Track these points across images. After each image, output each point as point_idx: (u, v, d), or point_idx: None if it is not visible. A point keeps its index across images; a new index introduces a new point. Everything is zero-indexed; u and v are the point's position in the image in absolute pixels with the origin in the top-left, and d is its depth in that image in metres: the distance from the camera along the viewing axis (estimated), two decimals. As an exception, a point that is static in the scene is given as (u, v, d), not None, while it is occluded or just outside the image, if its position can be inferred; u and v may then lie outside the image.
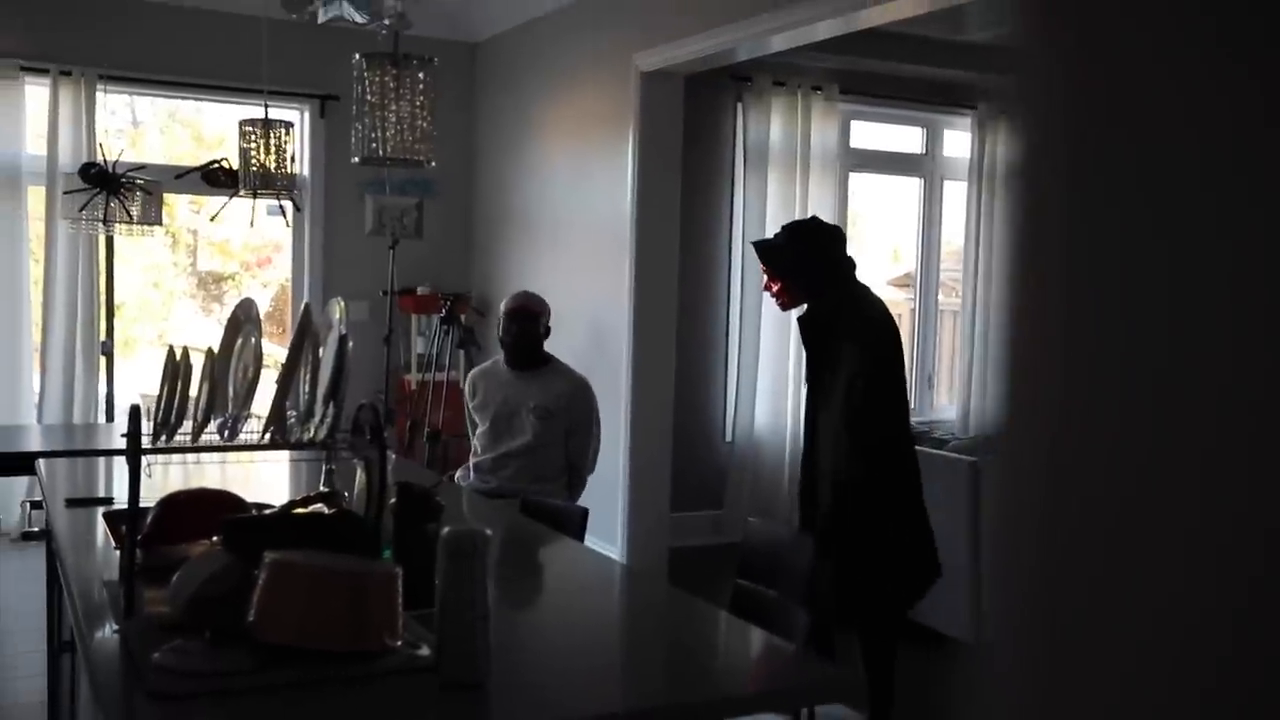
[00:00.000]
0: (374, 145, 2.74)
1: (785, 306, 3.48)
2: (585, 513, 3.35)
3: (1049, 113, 0.46)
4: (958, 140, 6.98)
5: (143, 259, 7.73)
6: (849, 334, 3.26)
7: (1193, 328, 0.41)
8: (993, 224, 6.81)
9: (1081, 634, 0.44)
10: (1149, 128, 0.42)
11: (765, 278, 3.45)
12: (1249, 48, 0.39)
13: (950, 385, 7.19)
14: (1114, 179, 0.43)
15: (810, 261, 3.32)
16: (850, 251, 3.44)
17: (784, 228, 3.49)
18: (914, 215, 7.05)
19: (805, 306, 3.39)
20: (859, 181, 6.83)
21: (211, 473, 3.36)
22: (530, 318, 4.24)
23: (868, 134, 6.81)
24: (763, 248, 3.43)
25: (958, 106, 6.82)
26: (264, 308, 7.52)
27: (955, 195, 6.99)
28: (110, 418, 5.70)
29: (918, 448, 3.43)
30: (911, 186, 7.04)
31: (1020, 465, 0.47)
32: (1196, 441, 0.41)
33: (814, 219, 3.66)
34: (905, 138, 7.02)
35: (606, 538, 5.14)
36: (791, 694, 2.17)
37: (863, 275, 3.44)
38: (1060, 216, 0.46)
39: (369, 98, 2.72)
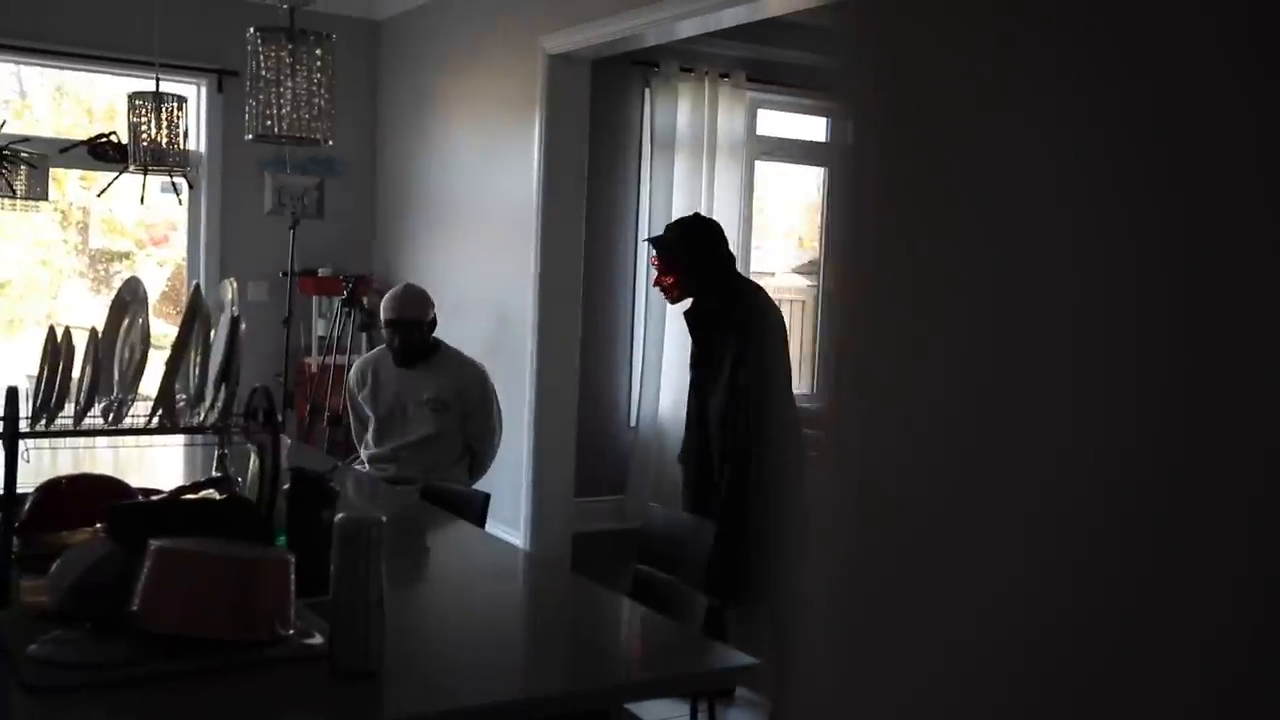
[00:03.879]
0: (269, 122, 2.67)
1: (675, 299, 3.64)
2: (487, 498, 3.32)
3: (867, 104, 0.47)
4: (862, 130, 7.07)
5: (30, 235, 7.44)
6: (737, 322, 3.45)
7: (1005, 320, 0.41)
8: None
9: (881, 618, 0.45)
10: (967, 112, 0.43)
11: (656, 272, 3.62)
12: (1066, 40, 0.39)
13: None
14: (926, 171, 0.44)
15: (703, 255, 3.51)
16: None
17: (675, 223, 3.70)
18: (818, 204, 7.13)
19: (691, 299, 3.56)
20: (765, 169, 6.88)
21: (100, 458, 3.25)
22: (410, 325, 4.07)
23: (774, 122, 6.86)
24: (660, 242, 3.59)
25: (862, 97, 6.91)
26: (160, 287, 7.31)
27: (859, 185, 7.09)
28: (-8, 400, 5.48)
29: (807, 430, 3.52)
30: (817, 176, 7.12)
31: (837, 450, 0.48)
32: (1004, 433, 0.41)
33: (700, 215, 3.83)
34: (811, 126, 7.10)
35: (509, 523, 5.12)
36: (690, 679, 2.18)
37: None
38: (875, 200, 0.46)
39: (264, 73, 2.65)
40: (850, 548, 0.46)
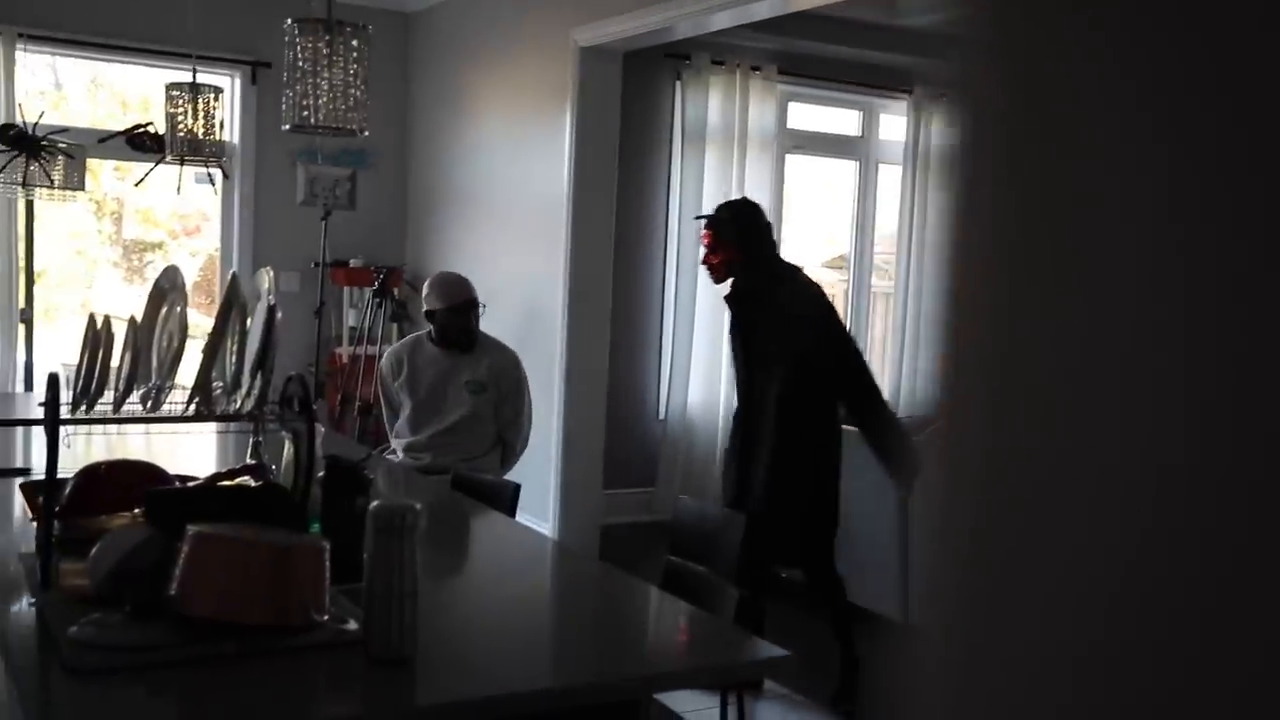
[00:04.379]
0: (305, 113, 2.69)
1: (720, 278, 3.68)
2: (517, 488, 3.34)
3: (987, 97, 0.46)
4: (894, 124, 7.03)
5: (66, 226, 7.52)
6: (789, 300, 3.54)
7: (1123, 314, 0.41)
8: (926, 208, 6.89)
9: (1019, 619, 0.45)
10: (1086, 116, 0.42)
11: (704, 250, 3.66)
12: (1190, 38, 0.39)
13: (881, 366, 7.28)
14: (1049, 165, 0.44)
15: (750, 237, 3.59)
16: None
17: (725, 204, 3.76)
18: (849, 198, 7.10)
19: (732, 280, 3.63)
20: (795, 163, 6.86)
21: (135, 444, 3.29)
22: (470, 307, 4.20)
23: (805, 115, 6.83)
24: (711, 221, 3.68)
25: (894, 90, 6.87)
26: (191, 277, 7.37)
27: (890, 179, 7.05)
28: (29, 387, 5.56)
29: (845, 427, 3.57)
30: (847, 169, 7.09)
31: (957, 449, 0.48)
32: (1130, 427, 0.41)
33: (749, 199, 3.89)
34: (842, 120, 7.06)
35: (538, 514, 5.14)
36: (721, 669, 2.19)
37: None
38: (998, 199, 0.46)
39: (300, 64, 2.66)
40: (971, 548, 0.46)
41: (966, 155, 0.48)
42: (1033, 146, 0.44)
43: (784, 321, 3.52)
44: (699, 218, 3.81)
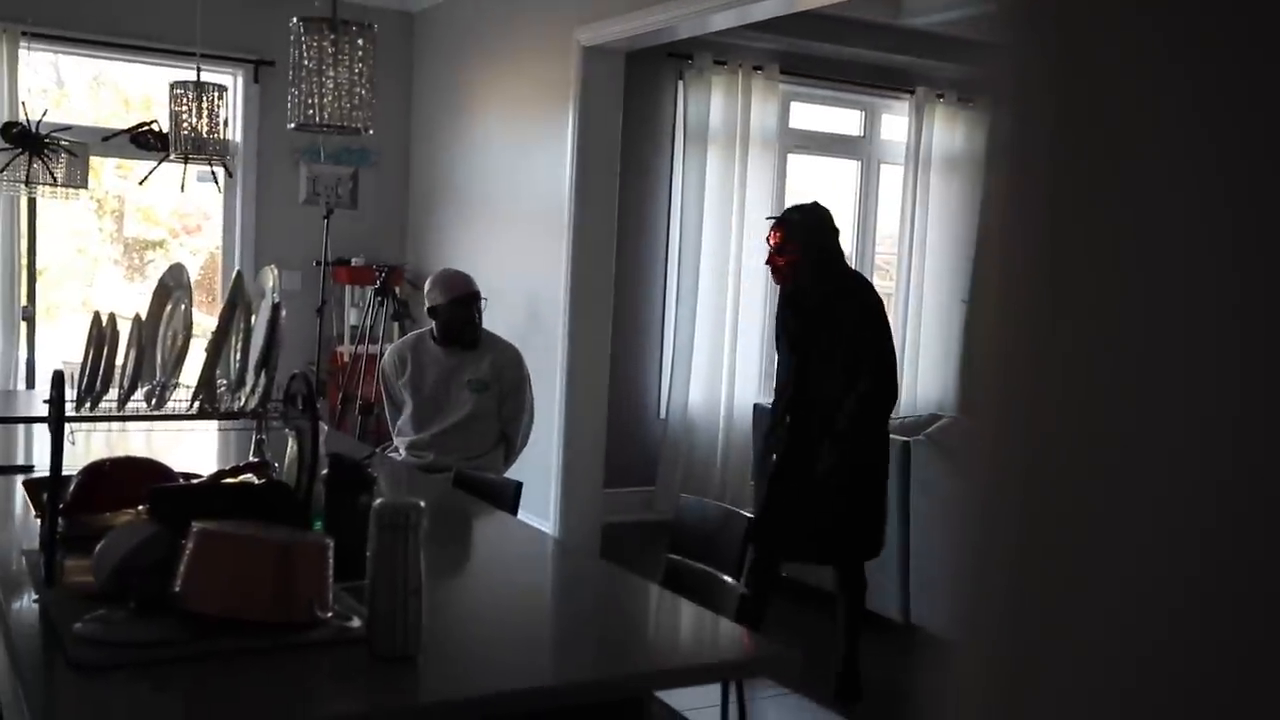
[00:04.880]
0: (311, 111, 2.70)
1: (784, 280, 3.72)
2: (519, 486, 3.34)
3: (1028, 100, 0.46)
4: (895, 124, 7.03)
5: (67, 224, 7.52)
6: (853, 307, 3.61)
7: (1159, 325, 0.41)
8: (928, 208, 6.89)
9: (1041, 624, 0.44)
10: (1133, 120, 0.42)
11: (770, 251, 3.70)
12: (1244, 43, 0.39)
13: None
14: (1092, 170, 0.43)
15: (822, 238, 3.65)
16: None
17: (796, 207, 3.79)
18: (851, 198, 7.11)
19: (795, 283, 3.67)
20: (797, 162, 6.86)
21: (139, 442, 3.30)
22: (477, 298, 4.21)
23: (807, 115, 6.84)
24: (782, 220, 3.72)
25: (896, 90, 6.87)
26: (193, 276, 7.38)
27: (892, 179, 7.06)
28: (31, 384, 5.57)
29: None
30: (849, 169, 7.10)
31: (1003, 459, 0.47)
32: (1154, 434, 0.41)
33: (819, 204, 3.92)
34: (844, 120, 7.07)
35: (539, 513, 5.14)
36: (721, 668, 2.19)
37: None
38: (1034, 205, 0.45)
39: (306, 63, 2.67)
40: (1015, 557, 0.45)
41: (1005, 156, 0.47)
42: (1076, 145, 0.44)
43: (847, 328, 3.57)
44: (770, 218, 3.85)
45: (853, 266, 4.24)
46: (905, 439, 4.27)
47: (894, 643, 4.09)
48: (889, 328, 3.69)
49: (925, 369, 6.90)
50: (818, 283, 3.62)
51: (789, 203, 7.00)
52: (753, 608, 3.49)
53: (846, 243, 7.14)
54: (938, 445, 4.18)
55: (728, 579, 2.45)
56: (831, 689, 3.70)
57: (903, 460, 4.20)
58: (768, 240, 3.71)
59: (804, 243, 3.61)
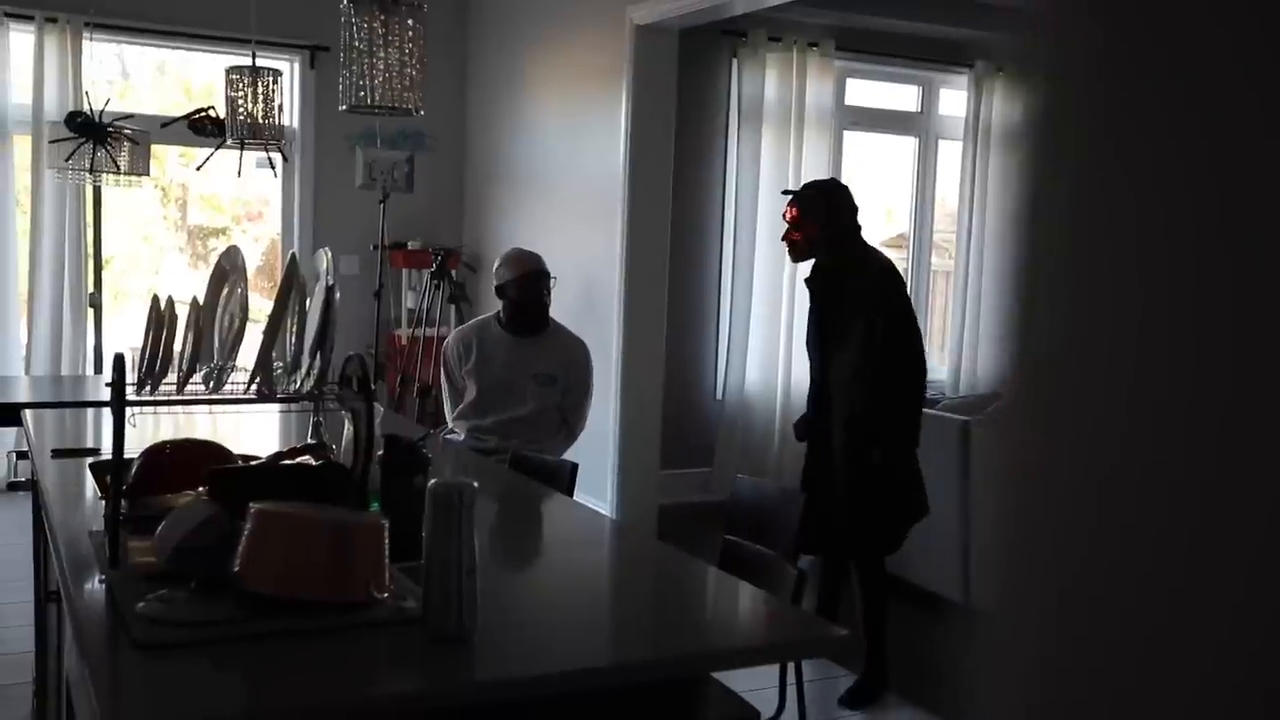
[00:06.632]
0: (362, 93, 2.70)
1: (799, 256, 3.65)
2: (575, 468, 3.34)
3: (1069, 72, 0.44)
4: (954, 99, 6.92)
5: (133, 213, 7.66)
6: (867, 281, 3.50)
7: (1203, 304, 0.39)
8: (987, 185, 6.78)
9: (1088, 603, 0.43)
10: (1182, 94, 0.40)
11: (786, 226, 3.62)
12: None
13: (942, 345, 7.19)
14: (1135, 143, 0.42)
15: (835, 217, 3.55)
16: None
17: (812, 183, 3.73)
18: (908, 175, 7.01)
19: (814, 260, 3.61)
20: (853, 140, 6.78)
21: (198, 424, 3.34)
22: (545, 275, 4.18)
23: (863, 92, 6.75)
24: (798, 195, 3.64)
25: (954, 64, 6.76)
26: (254, 262, 7.47)
27: (950, 155, 6.95)
28: (98, 369, 5.68)
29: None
30: (906, 146, 7.00)
31: (1052, 457, 0.46)
32: (1199, 416, 0.39)
33: (836, 179, 3.90)
34: (901, 96, 6.97)
35: (596, 494, 5.15)
36: (779, 648, 2.17)
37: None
38: (1077, 177, 0.44)
39: (357, 44, 2.67)
40: (1060, 558, 0.44)
41: (1043, 130, 0.45)
42: (1116, 123, 0.42)
43: (863, 305, 3.48)
44: (786, 192, 3.77)
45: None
46: (964, 418, 4.20)
47: (955, 624, 4.04)
48: (909, 305, 3.59)
49: (985, 348, 6.80)
50: (832, 258, 3.56)
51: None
52: (826, 605, 3.47)
53: (903, 221, 7.07)
54: (997, 425, 4.11)
55: (785, 560, 2.42)
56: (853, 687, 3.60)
57: (961, 439, 4.14)
58: (784, 215, 3.65)
59: (820, 218, 3.54)
